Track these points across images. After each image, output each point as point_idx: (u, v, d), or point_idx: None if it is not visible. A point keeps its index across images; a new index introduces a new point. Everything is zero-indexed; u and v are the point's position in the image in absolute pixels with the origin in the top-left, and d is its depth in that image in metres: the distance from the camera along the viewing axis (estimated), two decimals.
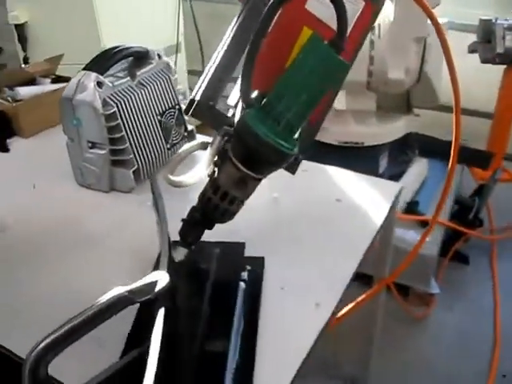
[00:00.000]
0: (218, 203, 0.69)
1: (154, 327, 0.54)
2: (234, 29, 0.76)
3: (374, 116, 1.77)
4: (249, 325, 0.73)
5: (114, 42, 1.11)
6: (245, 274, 0.81)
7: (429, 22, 0.89)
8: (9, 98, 1.28)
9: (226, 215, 0.71)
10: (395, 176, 1.84)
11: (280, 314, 0.76)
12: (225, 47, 0.75)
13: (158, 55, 1.14)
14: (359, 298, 1.17)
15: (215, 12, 2.68)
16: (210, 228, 0.74)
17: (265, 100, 0.65)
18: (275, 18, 0.70)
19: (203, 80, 0.76)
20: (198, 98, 0.74)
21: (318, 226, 0.96)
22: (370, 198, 1.05)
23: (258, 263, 0.84)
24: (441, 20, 1.64)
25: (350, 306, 1.18)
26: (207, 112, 0.75)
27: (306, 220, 0.98)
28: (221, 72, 0.76)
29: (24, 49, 2.13)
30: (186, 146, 0.79)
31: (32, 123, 1.28)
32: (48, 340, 0.48)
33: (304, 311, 0.76)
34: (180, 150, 0.78)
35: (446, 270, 1.87)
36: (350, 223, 0.97)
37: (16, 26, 2.08)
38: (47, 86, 1.33)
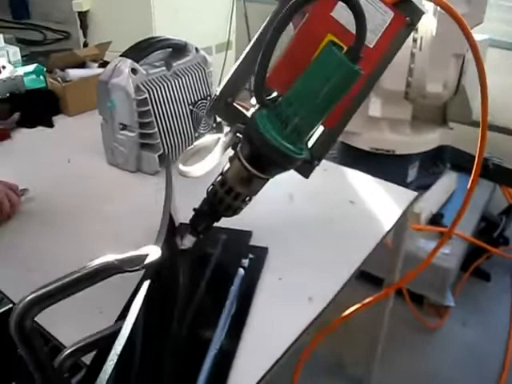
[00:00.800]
0: (223, 197, 0.72)
1: (135, 298, 0.57)
2: (261, 28, 0.77)
3: (408, 125, 1.77)
4: (240, 309, 0.76)
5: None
6: (246, 262, 0.85)
7: None
8: (59, 79, 1.38)
9: (230, 210, 0.74)
10: (423, 187, 1.83)
11: (273, 302, 0.79)
12: (250, 46, 0.77)
13: (196, 48, 1.19)
14: (366, 300, 1.19)
15: (267, 12, 2.73)
16: (217, 220, 0.78)
17: (277, 101, 0.67)
18: (302, 22, 0.71)
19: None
20: (217, 94, 0.77)
21: (326, 225, 0.99)
22: (383, 203, 1.08)
23: (261, 253, 0.88)
24: (481, 36, 1.64)
25: (357, 306, 1.21)
26: (224, 108, 0.77)
27: (317, 217, 1.01)
28: (242, 70, 0.78)
29: (85, 35, 2.27)
30: (203, 138, 0.81)
31: (77, 103, 1.37)
32: (34, 295, 0.50)
33: (296, 304, 0.79)
34: (196, 142, 0.81)
35: (465, 285, 1.85)
36: (359, 225, 1.00)
37: (79, 13, 2.21)
38: (94, 70, 1.41)
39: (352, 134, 1.75)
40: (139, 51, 1.10)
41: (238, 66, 0.78)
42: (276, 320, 0.76)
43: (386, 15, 0.72)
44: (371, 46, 0.72)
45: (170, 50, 1.17)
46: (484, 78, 0.88)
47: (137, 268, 0.61)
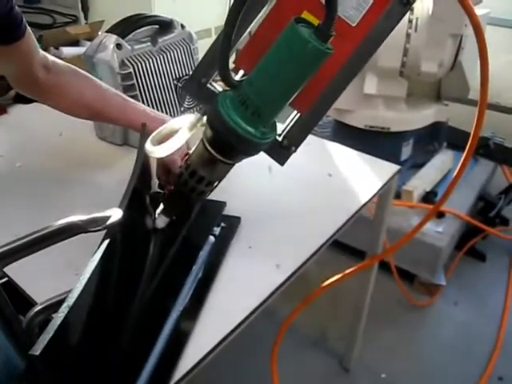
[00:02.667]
0: (187, 179, 0.70)
1: (94, 255, 0.61)
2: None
3: (403, 102, 1.77)
4: (207, 274, 0.79)
5: None
6: (217, 230, 0.88)
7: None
8: None
9: (194, 193, 0.72)
10: (418, 165, 1.84)
11: (241, 269, 0.81)
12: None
13: (182, 25, 1.21)
14: (348, 270, 1.21)
15: None
16: (187, 202, 0.76)
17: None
18: None
19: None
20: (191, 73, 0.74)
21: (302, 197, 1.01)
22: (363, 176, 1.09)
23: (234, 222, 0.91)
24: (481, 11, 1.61)
25: (338, 276, 1.23)
26: (197, 88, 0.73)
27: (293, 189, 1.03)
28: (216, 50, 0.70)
29: (86, 17, 2.29)
30: (177, 119, 0.78)
31: None
32: None
33: (263, 270, 0.82)
34: (170, 122, 0.78)
35: (459, 265, 1.85)
36: (334, 198, 1.02)
37: None
38: None
39: (346, 112, 1.75)
40: (125, 27, 1.12)
41: (213, 44, 0.72)
42: (242, 286, 0.79)
43: None
44: (353, 25, 0.68)
45: (157, 26, 1.19)
46: (485, 56, 0.84)
47: (99, 228, 0.64)
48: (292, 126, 0.75)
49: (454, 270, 1.83)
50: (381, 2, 0.66)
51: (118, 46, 1.07)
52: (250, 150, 0.64)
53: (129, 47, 1.09)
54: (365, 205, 1.02)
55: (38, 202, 0.96)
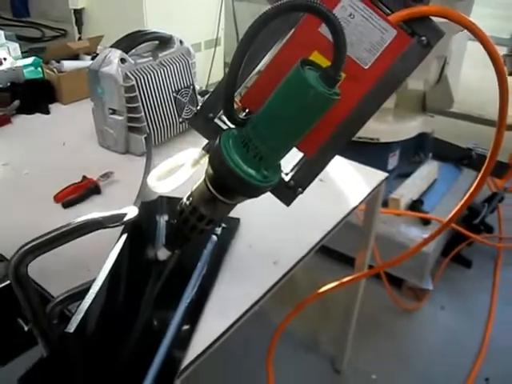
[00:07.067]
0: (187, 216, 0.69)
1: (113, 248, 0.66)
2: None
3: (391, 114, 1.85)
4: (211, 270, 0.84)
5: None
6: (219, 230, 0.93)
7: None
8: (54, 70, 1.47)
9: (195, 231, 0.70)
10: (404, 175, 1.91)
11: (242, 265, 0.87)
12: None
13: (180, 41, 1.28)
14: (343, 280, 1.26)
15: (254, 9, 2.85)
16: (185, 240, 0.73)
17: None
18: (288, 37, 0.66)
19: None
20: (198, 107, 0.71)
21: (297, 199, 1.08)
22: (352, 183, 1.16)
23: (234, 223, 0.97)
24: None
25: (332, 284, 1.28)
26: (204, 124, 0.70)
27: None
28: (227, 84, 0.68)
29: (80, 31, 2.35)
30: (181, 154, 0.76)
31: (71, 92, 1.47)
32: (28, 246, 0.58)
33: (263, 266, 0.88)
34: (173, 158, 0.77)
35: (445, 271, 1.91)
36: (326, 202, 1.08)
37: (75, 10, 2.30)
38: (87, 62, 1.49)
39: None
40: (128, 42, 1.19)
41: (221, 81, 0.69)
42: (244, 280, 0.84)
43: (386, 34, 0.64)
44: (366, 67, 0.65)
45: (157, 42, 1.25)
46: (505, 85, 0.73)
47: (117, 224, 0.69)
48: (299, 168, 0.72)
49: (441, 275, 1.89)
50: (397, 45, 0.63)
51: (122, 61, 1.14)
52: (250, 192, 0.62)
53: (132, 61, 1.15)
54: (355, 208, 1.08)
55: (40, 209, 1.00)
